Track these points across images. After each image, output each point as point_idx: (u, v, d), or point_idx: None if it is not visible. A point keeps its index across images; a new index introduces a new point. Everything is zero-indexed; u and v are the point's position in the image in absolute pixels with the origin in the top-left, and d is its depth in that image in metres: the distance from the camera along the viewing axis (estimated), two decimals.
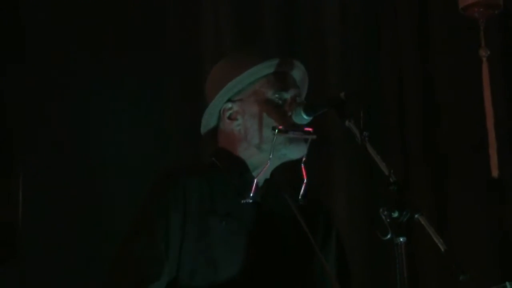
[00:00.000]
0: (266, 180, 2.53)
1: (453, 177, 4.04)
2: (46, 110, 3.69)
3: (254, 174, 2.48)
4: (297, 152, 2.47)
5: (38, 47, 3.73)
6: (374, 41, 4.23)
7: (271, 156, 2.43)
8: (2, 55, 3.66)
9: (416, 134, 4.12)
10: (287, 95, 2.50)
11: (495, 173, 3.62)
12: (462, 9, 3.49)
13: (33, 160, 3.62)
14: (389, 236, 2.07)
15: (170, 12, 4.09)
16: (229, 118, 2.51)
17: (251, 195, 2.42)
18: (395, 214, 2.07)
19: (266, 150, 2.46)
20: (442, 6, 4.05)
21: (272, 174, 2.55)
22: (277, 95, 2.48)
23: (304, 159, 2.48)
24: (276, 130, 2.43)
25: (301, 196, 2.49)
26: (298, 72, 2.57)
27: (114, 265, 2.36)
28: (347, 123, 2.25)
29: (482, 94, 3.64)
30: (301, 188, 2.49)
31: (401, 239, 2.06)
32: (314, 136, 2.46)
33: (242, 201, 2.42)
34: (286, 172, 2.60)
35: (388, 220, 2.07)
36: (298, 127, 2.45)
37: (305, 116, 2.42)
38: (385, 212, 2.08)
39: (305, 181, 2.49)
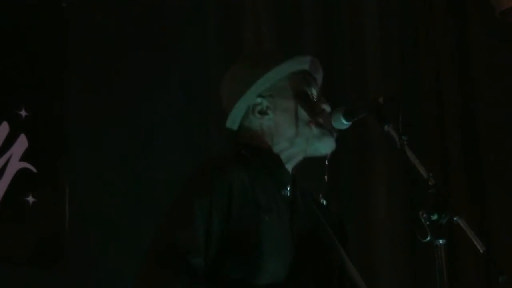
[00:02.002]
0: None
1: (493, 181, 4.04)
2: (90, 118, 3.72)
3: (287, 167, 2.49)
4: (329, 146, 2.47)
5: (82, 53, 3.75)
6: (412, 43, 4.26)
7: (306, 149, 2.44)
8: (44, 65, 3.69)
9: (455, 138, 4.13)
10: (315, 91, 2.52)
11: None
12: (499, 14, 3.49)
13: (79, 166, 3.65)
14: (428, 238, 2.10)
15: (211, 14, 4.11)
16: (260, 113, 2.50)
17: (288, 188, 2.44)
18: (435, 217, 2.09)
19: (298, 144, 2.46)
20: (480, 9, 4.05)
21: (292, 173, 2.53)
22: (308, 90, 2.50)
23: (328, 156, 2.48)
24: (313, 123, 2.44)
25: (322, 196, 2.52)
26: (319, 76, 2.59)
27: (151, 246, 2.31)
28: (386, 127, 2.26)
29: None
30: (317, 190, 2.51)
31: (441, 241, 2.09)
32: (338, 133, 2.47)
33: (282, 193, 2.43)
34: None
35: (427, 222, 2.10)
36: (329, 122, 2.46)
37: (344, 121, 2.43)
38: (425, 215, 2.10)
39: (325, 179, 2.50)
